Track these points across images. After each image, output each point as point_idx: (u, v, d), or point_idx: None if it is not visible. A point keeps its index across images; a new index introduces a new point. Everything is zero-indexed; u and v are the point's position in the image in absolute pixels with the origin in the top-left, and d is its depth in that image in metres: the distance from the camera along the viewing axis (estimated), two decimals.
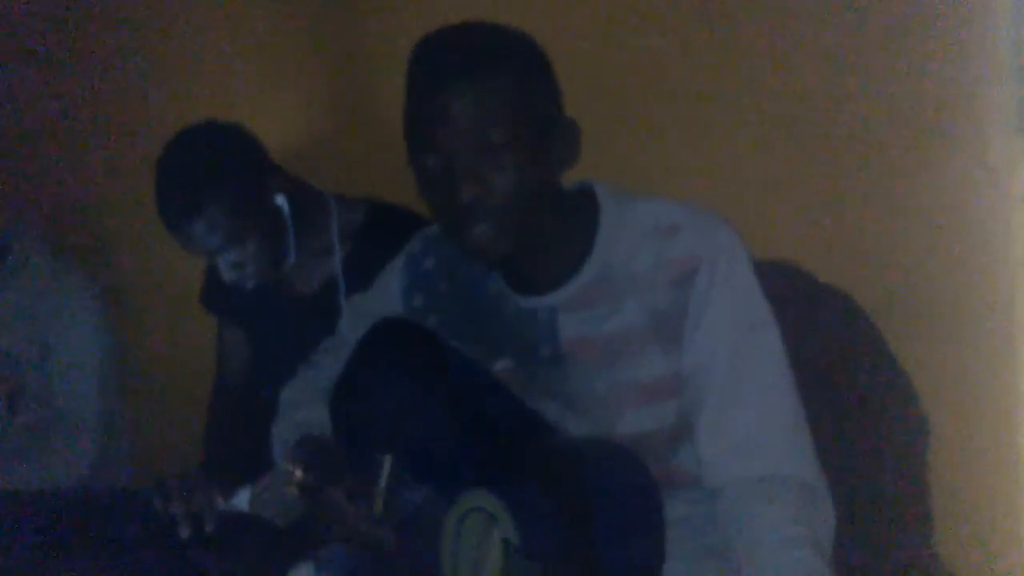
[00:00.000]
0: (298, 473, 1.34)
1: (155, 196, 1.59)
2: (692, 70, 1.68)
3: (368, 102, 2.15)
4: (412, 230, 1.42)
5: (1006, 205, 1.44)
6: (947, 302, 1.49)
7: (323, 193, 1.73)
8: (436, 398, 1.28)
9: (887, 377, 1.39)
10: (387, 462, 1.29)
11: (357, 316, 1.45)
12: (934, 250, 1.49)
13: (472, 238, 1.18)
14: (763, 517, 1.12)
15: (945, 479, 1.42)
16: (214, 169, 1.58)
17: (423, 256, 1.37)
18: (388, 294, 1.40)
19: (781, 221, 1.60)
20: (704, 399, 1.17)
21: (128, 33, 2.41)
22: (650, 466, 1.14)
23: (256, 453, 1.59)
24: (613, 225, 1.22)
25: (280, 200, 1.62)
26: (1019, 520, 1.45)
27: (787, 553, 1.09)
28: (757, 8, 1.62)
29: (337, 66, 2.19)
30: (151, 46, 2.40)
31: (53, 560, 1.57)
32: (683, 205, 1.23)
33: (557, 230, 1.22)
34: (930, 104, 1.48)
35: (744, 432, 1.16)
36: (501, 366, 1.27)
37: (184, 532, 1.51)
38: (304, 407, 1.42)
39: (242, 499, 1.51)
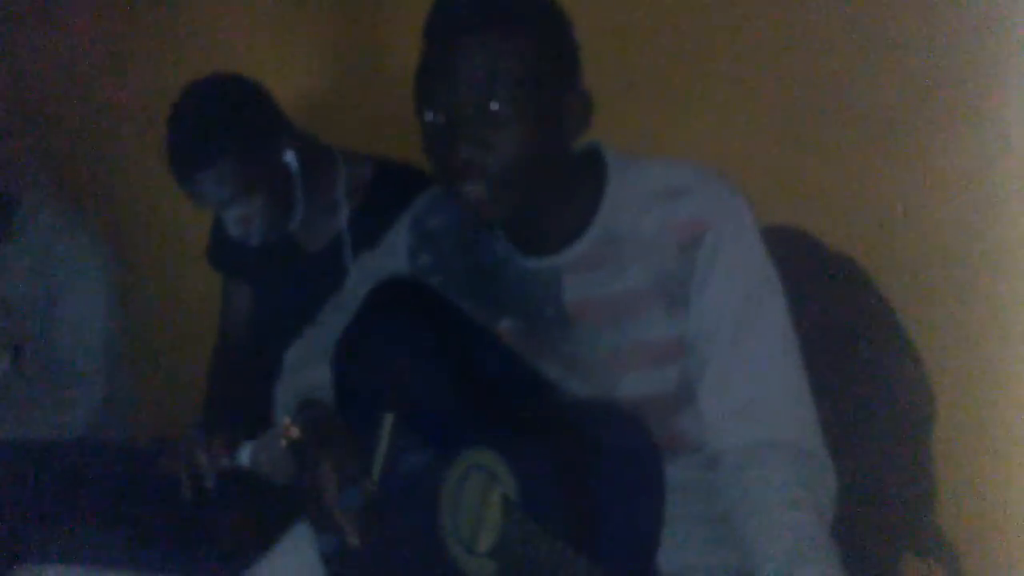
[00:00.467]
0: (292, 431, 1.34)
1: (166, 148, 1.58)
2: (714, 47, 1.67)
3: (379, 57, 2.14)
4: (419, 188, 1.42)
5: None
6: (959, 275, 1.48)
7: (332, 149, 1.72)
8: (439, 357, 1.28)
9: (893, 347, 1.38)
10: (389, 420, 1.29)
11: (364, 274, 1.45)
12: (949, 223, 1.48)
13: (465, 197, 1.17)
14: (763, 481, 1.12)
15: (951, 452, 1.42)
16: (225, 122, 1.57)
17: (429, 215, 1.37)
18: (394, 252, 1.39)
19: (789, 190, 1.59)
20: (707, 363, 1.17)
21: None
22: (651, 430, 1.13)
23: (258, 409, 1.59)
24: (620, 187, 1.21)
25: (289, 156, 1.61)
26: None
27: (787, 515, 1.09)
28: None
29: (348, 20, 2.18)
30: (163, 1, 2.38)
31: (56, 509, 1.58)
32: (691, 167, 1.21)
33: (563, 192, 1.21)
34: (951, 81, 1.47)
35: (746, 397, 1.16)
36: (505, 326, 1.26)
37: (185, 490, 1.51)
38: (309, 369, 1.42)
39: (243, 455, 1.51)
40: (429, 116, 1.17)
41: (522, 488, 1.12)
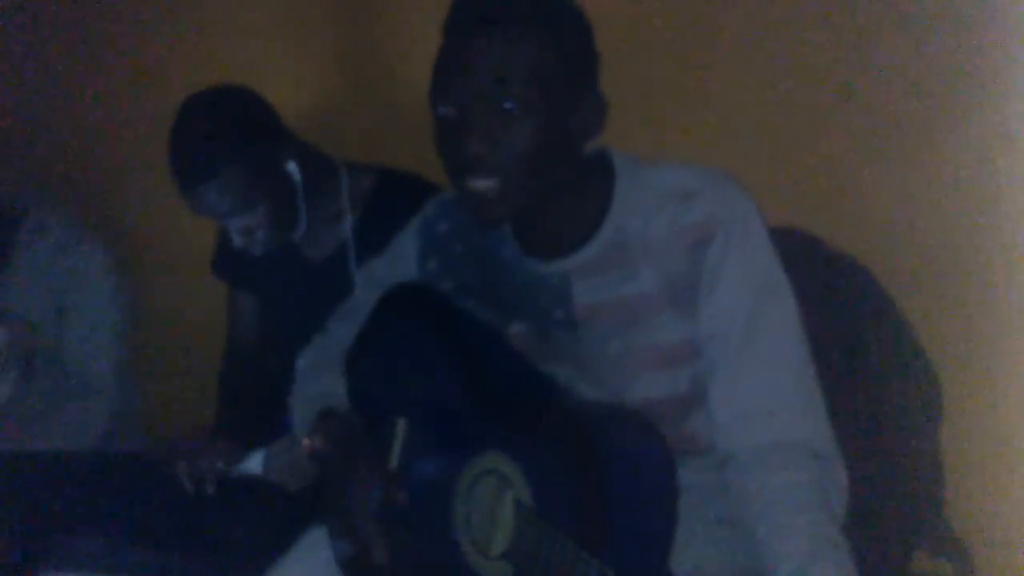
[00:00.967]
0: (313, 442, 1.34)
1: (169, 159, 1.59)
2: (719, 52, 1.67)
3: (382, 68, 2.14)
4: (422, 197, 1.42)
5: None
6: (965, 273, 1.49)
7: (334, 160, 1.73)
8: (450, 361, 1.28)
9: (902, 347, 1.39)
10: (402, 424, 1.29)
11: (372, 280, 1.46)
12: (953, 221, 1.48)
13: (471, 192, 1.17)
14: (774, 482, 1.12)
15: (959, 451, 1.42)
16: (227, 134, 1.58)
17: (438, 220, 1.37)
18: (403, 258, 1.40)
19: (797, 192, 1.59)
20: (718, 365, 1.17)
21: (143, 1, 2.41)
22: (663, 432, 1.13)
23: (268, 417, 1.60)
24: (629, 190, 1.22)
25: (291, 168, 1.62)
26: None
27: (799, 516, 1.09)
28: None
29: (351, 31, 2.18)
30: (165, 11, 2.39)
31: (71, 519, 1.58)
32: (699, 170, 1.22)
33: (572, 195, 1.22)
34: (949, 75, 1.47)
35: (757, 398, 1.16)
36: (515, 330, 1.27)
37: (190, 491, 1.52)
38: (322, 377, 1.42)
39: (255, 462, 1.52)
40: (442, 110, 1.17)
41: (535, 491, 1.12)
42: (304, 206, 1.65)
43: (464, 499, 1.21)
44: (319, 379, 1.42)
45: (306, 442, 1.35)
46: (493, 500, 1.17)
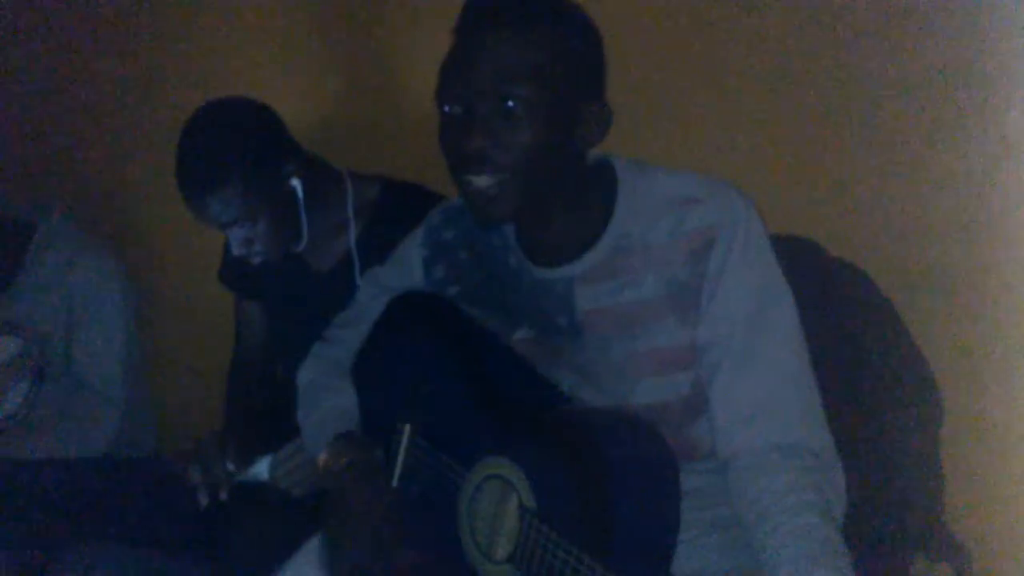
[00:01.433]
0: (330, 459, 1.34)
1: (175, 168, 1.60)
2: (722, 59, 1.68)
3: (388, 78, 2.15)
4: (426, 207, 1.44)
5: None
6: (964, 278, 1.49)
7: (339, 171, 1.74)
8: (455, 368, 1.30)
9: (901, 352, 1.40)
10: (407, 430, 1.31)
11: (376, 287, 1.47)
12: (951, 225, 1.49)
13: (471, 190, 1.19)
14: (773, 484, 1.13)
15: (958, 455, 1.42)
16: (231, 147, 1.59)
17: (443, 228, 1.39)
18: (408, 265, 1.41)
19: (797, 198, 1.60)
20: (718, 369, 1.18)
21: (148, 12, 2.43)
22: (666, 437, 1.15)
23: (274, 424, 1.61)
24: (631, 197, 1.23)
25: (294, 183, 1.63)
26: None
27: (798, 519, 1.10)
28: None
29: (358, 42, 2.20)
30: (171, 24, 2.41)
31: (81, 524, 1.60)
32: (701, 177, 1.23)
33: (575, 202, 1.23)
34: (947, 79, 1.47)
35: (756, 401, 1.17)
36: (519, 336, 1.28)
37: (203, 499, 1.53)
38: (330, 391, 1.43)
39: (261, 468, 1.53)
40: (446, 108, 1.19)
41: (538, 495, 1.14)
42: (306, 219, 1.66)
43: (469, 504, 1.22)
44: (328, 394, 1.43)
45: (323, 457, 1.36)
46: (497, 505, 1.18)
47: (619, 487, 1.09)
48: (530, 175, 1.17)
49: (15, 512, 1.65)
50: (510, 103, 1.14)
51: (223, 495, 1.54)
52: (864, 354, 1.38)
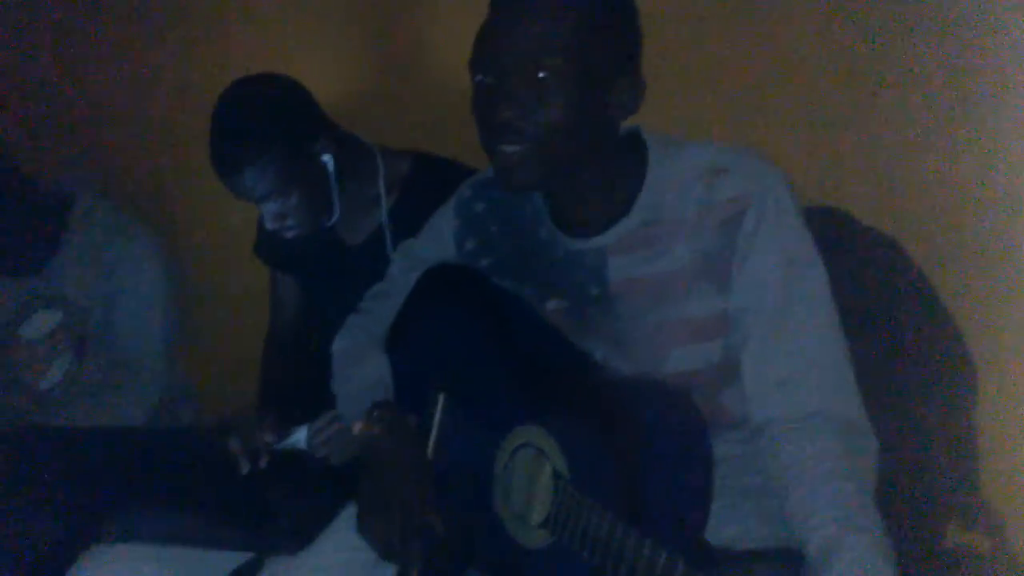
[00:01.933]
0: (366, 426, 1.36)
1: (209, 144, 1.62)
2: (748, 31, 1.67)
3: (419, 55, 2.16)
4: (457, 181, 1.45)
5: None
6: (998, 249, 1.47)
7: (370, 146, 1.75)
8: (488, 338, 1.31)
9: (934, 323, 1.39)
10: (442, 400, 1.32)
11: (409, 260, 1.49)
12: (985, 196, 1.47)
13: (500, 158, 1.20)
14: (806, 451, 1.13)
15: (992, 425, 1.42)
16: (264, 122, 1.61)
17: (474, 200, 1.40)
18: (440, 238, 1.43)
19: (829, 169, 1.59)
20: (750, 337, 1.19)
21: None
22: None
23: (310, 395, 1.64)
24: (661, 168, 1.24)
25: (326, 159, 1.65)
26: None
27: (831, 485, 1.10)
28: None
29: (389, 19, 2.20)
30: (202, 3, 2.43)
31: (125, 492, 1.63)
32: (731, 147, 1.23)
33: (605, 173, 1.24)
34: (976, 44, 1.46)
35: (789, 369, 1.17)
36: (552, 307, 1.29)
37: (244, 467, 1.57)
38: (365, 361, 1.45)
39: (299, 438, 1.56)
40: (479, 78, 1.20)
41: (571, 463, 1.15)
42: (337, 195, 1.67)
43: (503, 471, 1.24)
44: (362, 363, 1.45)
45: (359, 425, 1.38)
46: (531, 472, 1.19)
47: (652, 454, 1.10)
48: (558, 146, 1.18)
49: (61, 478, 1.69)
50: (541, 74, 1.15)
51: (263, 463, 1.57)
52: (896, 325, 1.39)
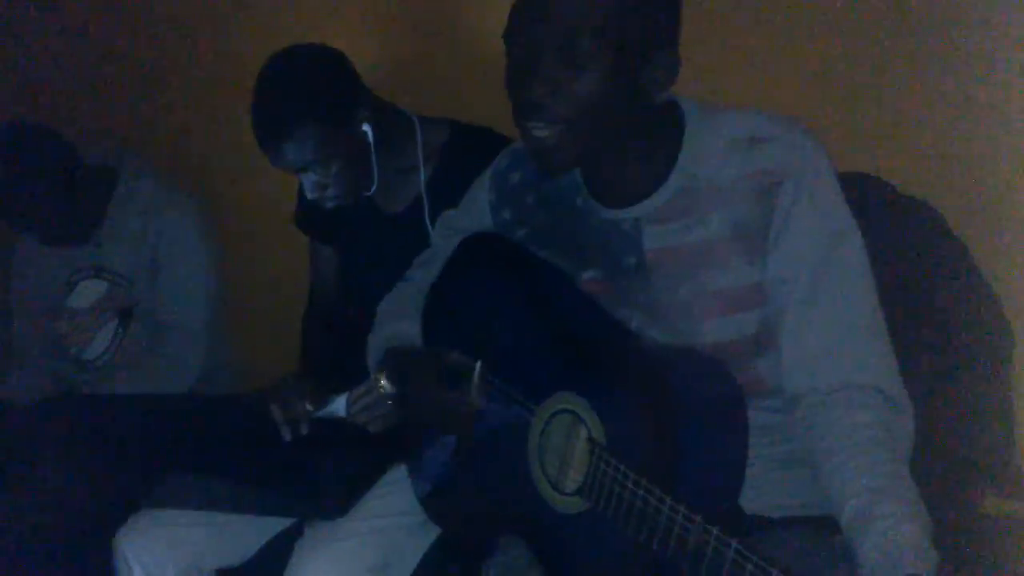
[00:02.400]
0: (384, 384, 1.40)
1: (251, 112, 1.64)
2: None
3: (456, 24, 2.15)
4: (495, 150, 1.46)
5: None
6: None
7: (409, 115, 1.76)
8: (524, 307, 1.32)
9: (971, 289, 1.38)
10: (478, 367, 1.34)
11: (449, 230, 1.50)
12: (1020, 160, 1.46)
13: (531, 138, 1.19)
14: (841, 422, 1.13)
15: None
16: (306, 92, 1.62)
17: (510, 171, 1.40)
18: (477, 208, 1.44)
19: (867, 136, 1.58)
20: (787, 307, 1.19)
21: None
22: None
23: (349, 363, 1.66)
24: (698, 137, 1.23)
25: (367, 128, 1.66)
26: None
27: (866, 455, 1.10)
28: None
29: None
30: None
31: (170, 458, 1.66)
32: (769, 116, 1.22)
33: (641, 143, 1.23)
34: (1018, 13, 1.43)
35: (825, 341, 1.17)
36: (587, 276, 1.30)
37: (285, 434, 1.59)
38: (396, 320, 1.48)
39: (338, 406, 1.58)
40: (513, 52, 1.19)
41: (607, 429, 1.16)
42: (377, 164, 1.68)
43: (539, 438, 1.25)
44: (393, 323, 1.48)
45: (382, 382, 1.41)
46: (567, 439, 1.20)
47: (687, 421, 1.10)
48: (590, 125, 1.17)
49: (106, 446, 1.73)
50: (573, 53, 1.14)
51: (303, 431, 1.60)
52: (934, 291, 1.37)
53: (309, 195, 1.68)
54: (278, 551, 1.67)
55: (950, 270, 1.37)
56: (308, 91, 1.61)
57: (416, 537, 1.61)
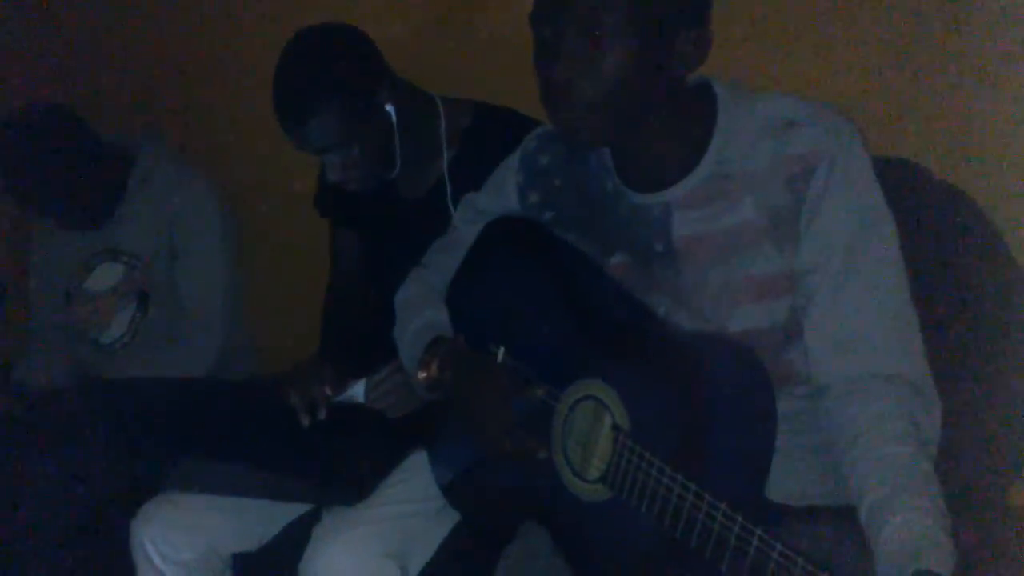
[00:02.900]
0: (429, 373, 1.38)
1: (273, 93, 1.63)
2: None
3: (480, 5, 2.14)
4: (519, 132, 1.44)
5: None
6: None
7: (432, 96, 1.74)
8: (550, 291, 1.31)
9: (1005, 277, 1.36)
10: (501, 352, 1.32)
11: (472, 212, 1.48)
12: None
13: (559, 117, 1.19)
14: (866, 411, 1.12)
15: None
16: (329, 73, 1.60)
17: (538, 153, 1.38)
18: (504, 191, 1.42)
19: (904, 124, 1.55)
20: (816, 296, 1.17)
21: None
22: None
23: (369, 348, 1.65)
24: (730, 121, 1.21)
25: (389, 109, 1.64)
26: None
27: (889, 448, 1.09)
28: None
29: None
30: None
31: (181, 444, 1.66)
32: (802, 101, 1.20)
33: (672, 126, 1.21)
34: None
35: (853, 329, 1.15)
36: (615, 262, 1.28)
37: (304, 419, 1.59)
38: (425, 309, 1.46)
39: (357, 391, 1.57)
40: (539, 31, 1.18)
41: (632, 416, 1.15)
42: (399, 147, 1.67)
43: (563, 424, 1.24)
44: (422, 312, 1.46)
45: (423, 374, 1.39)
46: (591, 425, 1.19)
47: (713, 408, 1.09)
48: (617, 105, 1.16)
49: (124, 429, 1.73)
50: (599, 31, 1.13)
51: (321, 416, 1.59)
52: (966, 280, 1.35)
53: (330, 177, 1.67)
54: (295, 536, 1.66)
55: (985, 258, 1.35)
56: (331, 70, 1.60)
57: (434, 523, 1.60)
